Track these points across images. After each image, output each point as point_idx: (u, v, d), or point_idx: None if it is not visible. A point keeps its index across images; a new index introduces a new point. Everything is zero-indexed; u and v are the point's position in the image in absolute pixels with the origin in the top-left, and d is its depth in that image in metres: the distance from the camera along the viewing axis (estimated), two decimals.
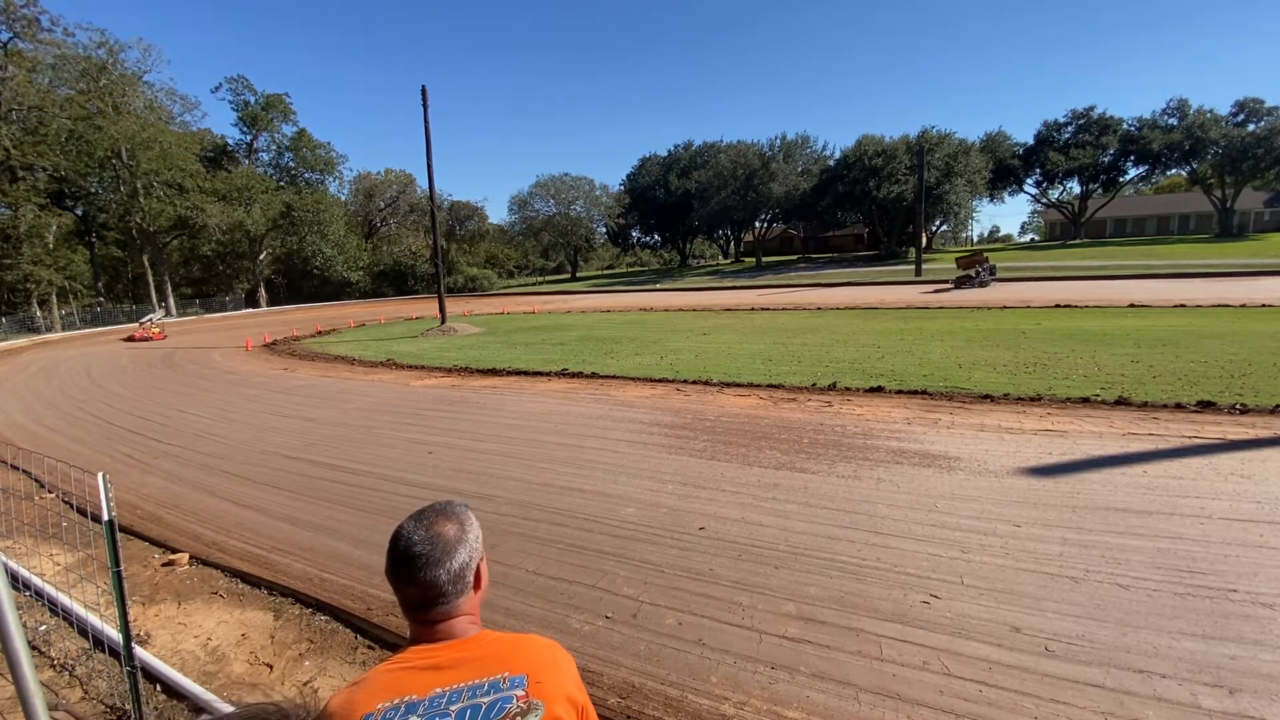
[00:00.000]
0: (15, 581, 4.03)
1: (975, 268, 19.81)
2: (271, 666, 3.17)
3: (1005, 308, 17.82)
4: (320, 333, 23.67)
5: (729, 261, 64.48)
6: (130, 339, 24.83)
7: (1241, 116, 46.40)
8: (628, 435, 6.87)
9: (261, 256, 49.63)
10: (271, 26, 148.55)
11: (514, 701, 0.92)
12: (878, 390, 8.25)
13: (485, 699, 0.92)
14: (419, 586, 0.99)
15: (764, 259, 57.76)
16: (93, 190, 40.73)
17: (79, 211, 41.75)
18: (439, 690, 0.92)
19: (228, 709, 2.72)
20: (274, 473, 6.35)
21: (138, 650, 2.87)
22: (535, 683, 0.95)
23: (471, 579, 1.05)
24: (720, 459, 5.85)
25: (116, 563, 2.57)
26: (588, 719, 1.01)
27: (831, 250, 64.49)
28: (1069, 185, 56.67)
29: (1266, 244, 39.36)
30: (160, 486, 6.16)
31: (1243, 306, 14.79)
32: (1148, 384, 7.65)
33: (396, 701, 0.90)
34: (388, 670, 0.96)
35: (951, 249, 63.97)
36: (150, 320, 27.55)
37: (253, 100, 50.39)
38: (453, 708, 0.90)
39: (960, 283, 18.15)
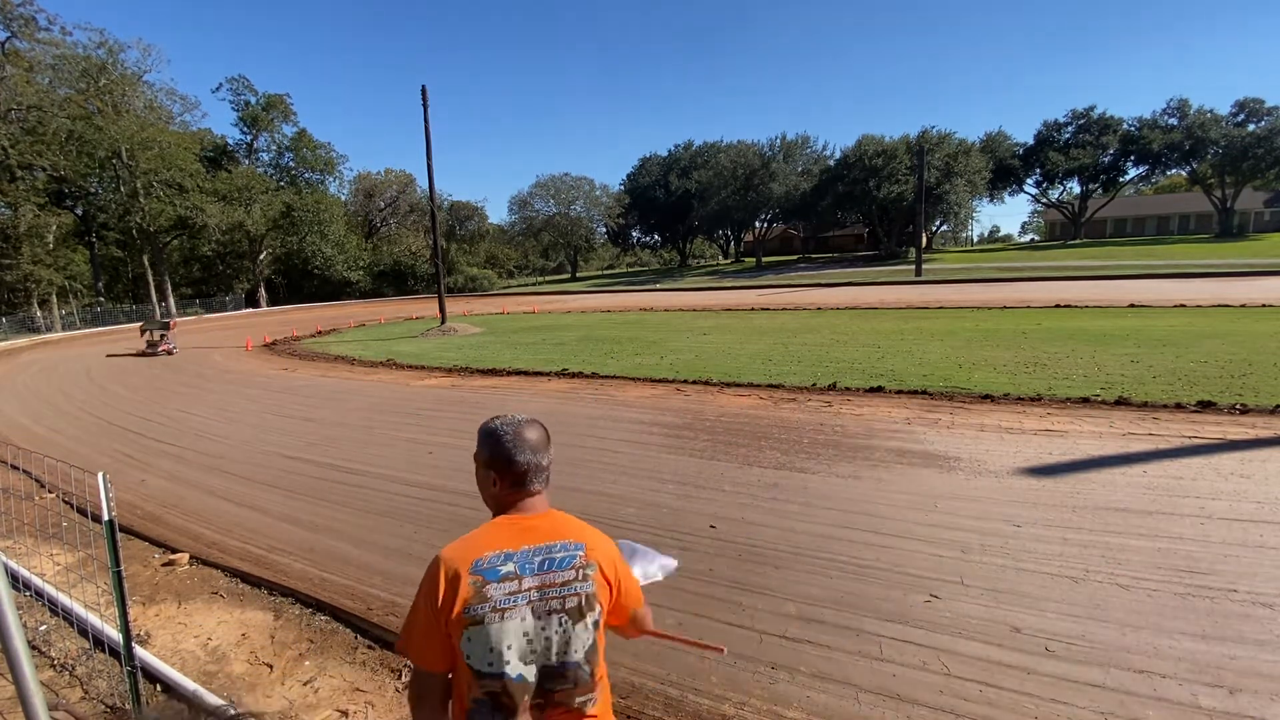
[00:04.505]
0: (15, 581, 4.03)
1: (161, 336, 20.58)
2: (271, 666, 3.17)
3: (1005, 308, 17.82)
4: (320, 333, 23.67)
5: (729, 261, 64.47)
6: None
7: (1241, 116, 46.43)
8: (628, 435, 6.87)
9: (261, 256, 49.57)
10: (272, 26, 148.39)
11: (578, 558, 1.27)
12: (878, 390, 8.25)
13: (558, 555, 1.26)
14: (528, 465, 1.31)
15: (764, 259, 57.75)
16: (93, 190, 40.70)
17: (79, 211, 41.70)
18: (526, 546, 1.26)
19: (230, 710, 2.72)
20: (274, 473, 6.35)
21: (138, 650, 2.87)
22: (590, 549, 1.30)
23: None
24: (720, 459, 5.85)
25: (116, 563, 2.57)
26: (623, 586, 1.35)
27: (831, 250, 64.46)
28: (1069, 185, 56.73)
29: (1266, 244, 39.37)
30: (160, 486, 6.16)
31: (1243, 306, 14.79)
32: (1148, 384, 7.65)
33: (498, 551, 1.24)
34: (488, 530, 1.29)
35: (952, 249, 64.00)
36: None
37: (253, 100, 50.34)
38: (536, 559, 1.25)
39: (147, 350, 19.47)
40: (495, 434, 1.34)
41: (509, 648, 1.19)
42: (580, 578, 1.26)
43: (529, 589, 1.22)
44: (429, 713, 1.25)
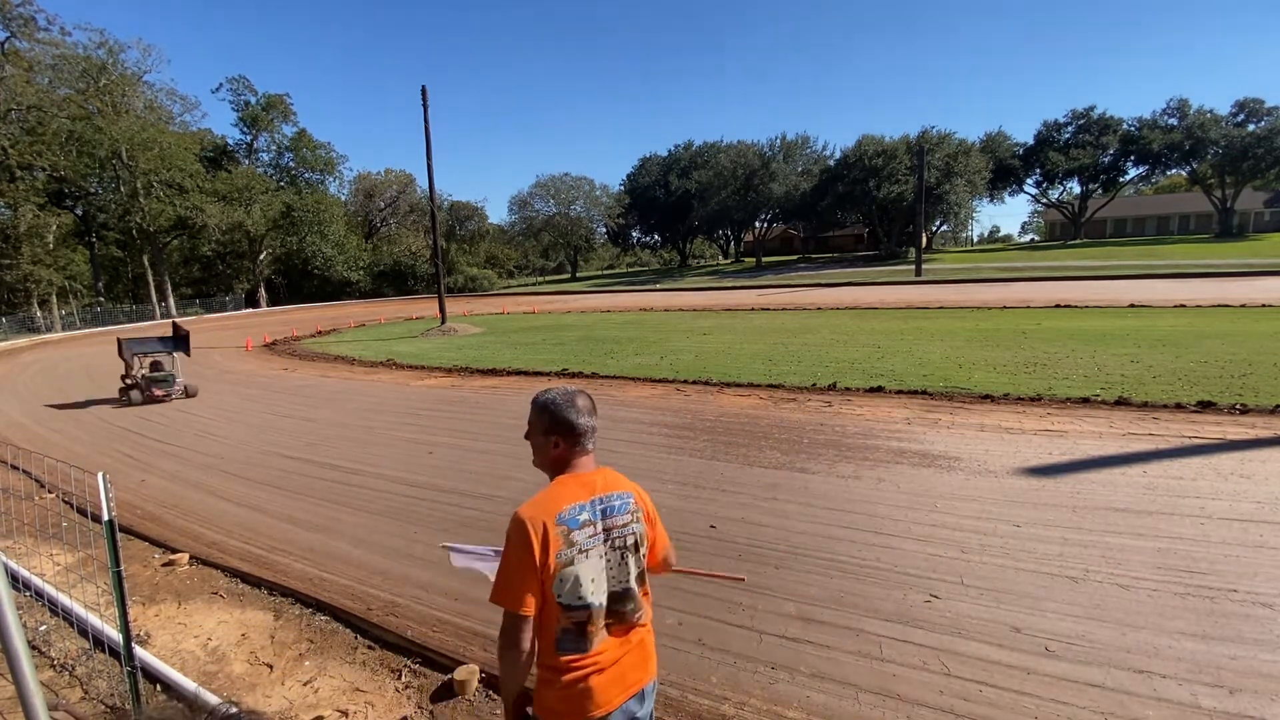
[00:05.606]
0: (15, 581, 4.03)
1: (156, 367, 11.21)
2: (271, 666, 3.17)
3: (1005, 308, 17.82)
4: (320, 333, 23.66)
5: (729, 262, 64.44)
6: None
7: (1241, 116, 46.39)
8: (628, 435, 6.87)
9: (261, 256, 49.57)
10: (272, 26, 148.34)
11: (630, 503, 1.58)
12: (878, 390, 8.25)
13: (616, 503, 1.56)
14: (585, 428, 1.57)
15: (764, 259, 57.74)
16: (93, 190, 40.71)
17: (79, 211, 41.70)
18: (593, 497, 1.53)
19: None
20: (274, 473, 6.35)
21: (138, 650, 2.87)
22: (638, 497, 1.62)
23: None
24: (720, 459, 5.85)
25: (116, 563, 2.57)
26: (658, 526, 1.69)
27: (831, 250, 64.43)
28: (1069, 185, 56.68)
29: (1266, 244, 39.37)
30: (160, 486, 6.16)
31: (1243, 306, 14.79)
32: (1148, 384, 7.65)
33: (574, 504, 1.49)
34: (558, 489, 1.52)
35: (952, 249, 63.98)
36: None
37: (253, 101, 50.38)
38: (600, 507, 1.53)
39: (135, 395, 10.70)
40: (555, 403, 1.57)
41: (591, 581, 1.48)
42: (635, 520, 1.58)
43: (600, 532, 1.51)
44: (526, 654, 1.45)
